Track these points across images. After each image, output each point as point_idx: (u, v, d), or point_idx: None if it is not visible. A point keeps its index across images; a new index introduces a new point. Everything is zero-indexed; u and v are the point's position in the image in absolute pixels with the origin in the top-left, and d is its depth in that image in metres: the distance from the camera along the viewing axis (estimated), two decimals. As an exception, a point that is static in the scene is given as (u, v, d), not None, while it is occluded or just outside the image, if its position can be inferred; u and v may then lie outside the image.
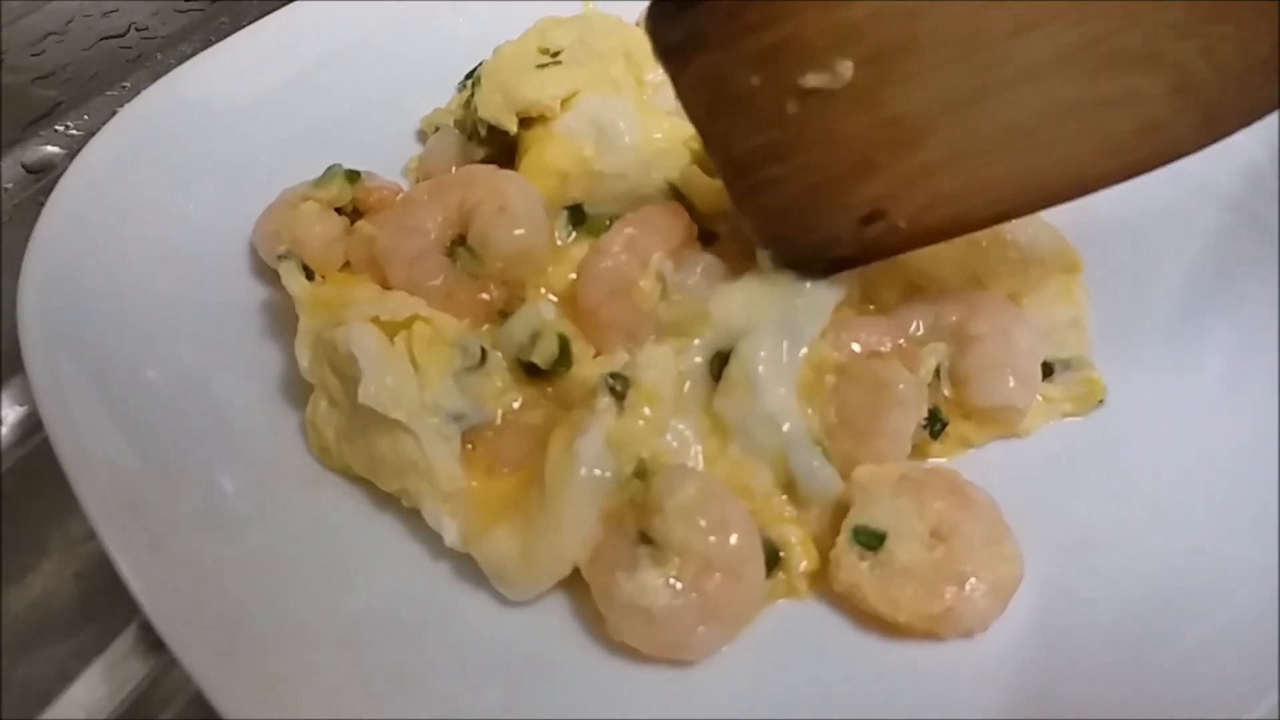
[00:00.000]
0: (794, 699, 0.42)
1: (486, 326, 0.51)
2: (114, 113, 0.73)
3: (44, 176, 0.71)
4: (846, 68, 0.41)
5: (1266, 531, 0.44)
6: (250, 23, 0.81)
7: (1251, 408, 0.49)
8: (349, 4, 0.67)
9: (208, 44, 0.79)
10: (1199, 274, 0.55)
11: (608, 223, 0.51)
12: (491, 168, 0.52)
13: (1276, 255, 0.53)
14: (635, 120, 0.55)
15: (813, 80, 0.41)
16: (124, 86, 0.75)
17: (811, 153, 0.43)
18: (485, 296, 0.51)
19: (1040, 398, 0.51)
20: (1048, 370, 0.51)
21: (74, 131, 0.74)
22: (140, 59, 0.77)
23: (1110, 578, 0.45)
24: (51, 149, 0.73)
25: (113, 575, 0.50)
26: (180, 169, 0.59)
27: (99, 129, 0.60)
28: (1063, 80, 0.41)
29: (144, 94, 0.61)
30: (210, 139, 0.61)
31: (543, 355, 0.47)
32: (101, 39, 0.79)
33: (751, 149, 0.44)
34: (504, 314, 0.51)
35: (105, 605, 0.50)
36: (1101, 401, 0.51)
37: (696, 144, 0.56)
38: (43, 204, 0.55)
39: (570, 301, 0.50)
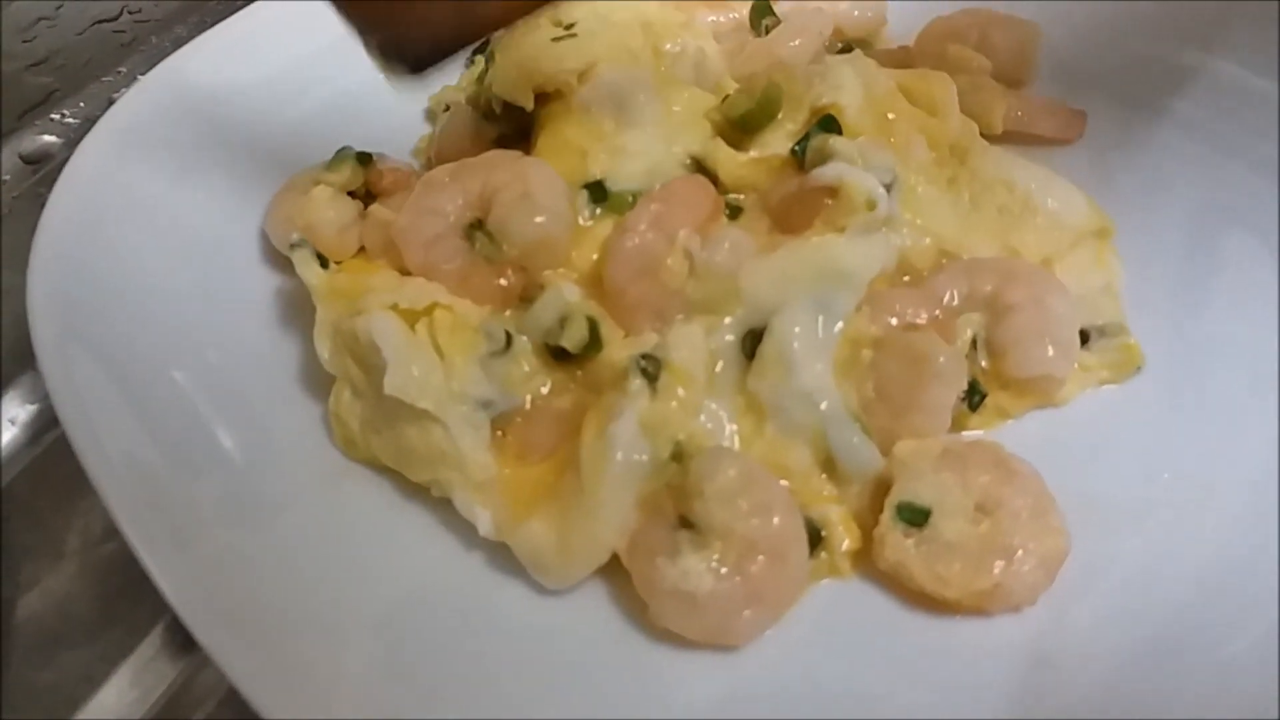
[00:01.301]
0: (841, 680, 0.41)
1: (508, 312, 0.49)
2: (111, 100, 0.72)
3: (42, 167, 0.69)
4: None
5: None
6: (245, 4, 0.80)
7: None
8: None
9: (203, 26, 0.77)
10: (1230, 237, 0.54)
11: (631, 199, 0.50)
12: (515, 153, 0.51)
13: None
14: (654, 93, 0.53)
15: None
16: (119, 72, 0.74)
17: None
18: (503, 282, 0.49)
19: (1077, 366, 0.50)
20: (1084, 338, 0.50)
21: (71, 120, 0.72)
22: (134, 43, 0.76)
23: (1156, 549, 0.44)
24: (49, 138, 0.71)
25: (135, 576, 0.48)
26: (185, 156, 0.57)
27: (97, 117, 0.58)
28: None
29: (143, 80, 0.60)
30: (214, 124, 0.59)
31: (572, 339, 0.46)
32: (94, 23, 0.76)
33: None
34: (523, 299, 0.49)
35: (128, 607, 0.49)
36: (1139, 368, 0.50)
37: (717, 115, 0.54)
38: (42, 195, 0.53)
39: (595, 282, 0.49)
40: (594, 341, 0.46)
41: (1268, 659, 0.39)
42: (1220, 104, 0.57)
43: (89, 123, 0.69)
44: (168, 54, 0.75)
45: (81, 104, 0.72)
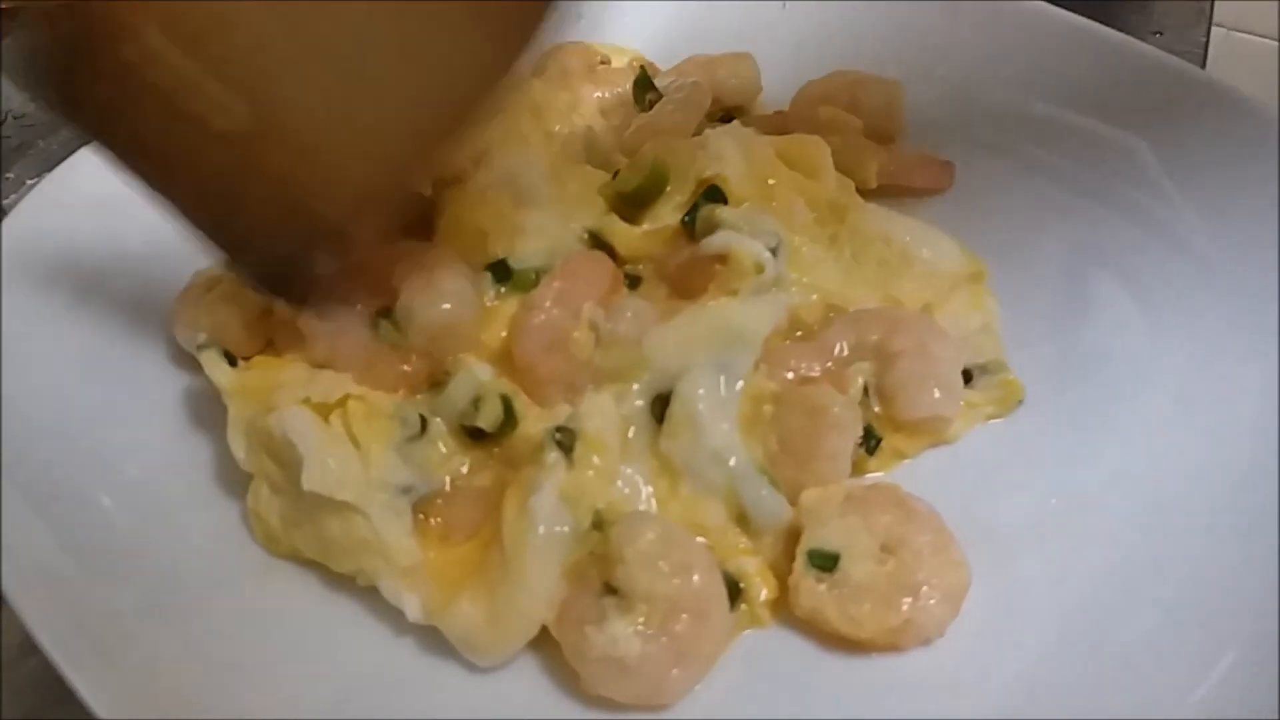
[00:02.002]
0: (770, 726, 0.43)
1: (419, 397, 0.50)
2: (1, 208, 0.71)
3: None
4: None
5: (1192, 512, 0.47)
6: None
7: (1167, 390, 0.52)
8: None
9: (90, 128, 0.77)
10: (1096, 273, 0.58)
11: (534, 276, 0.52)
12: (419, 243, 0.52)
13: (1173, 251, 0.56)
14: (547, 174, 0.56)
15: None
16: (7, 177, 0.73)
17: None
18: (407, 368, 0.50)
19: (963, 404, 0.53)
20: (967, 377, 0.53)
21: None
22: (21, 148, 0.75)
23: (1051, 570, 0.47)
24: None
25: (62, 690, 0.49)
26: (82, 269, 0.57)
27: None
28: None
29: (33, 193, 0.59)
30: (108, 232, 0.59)
31: (488, 418, 0.47)
32: (-22, 131, 0.76)
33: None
34: (431, 384, 0.50)
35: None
36: (1021, 401, 0.53)
37: (609, 191, 0.57)
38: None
39: (504, 359, 0.50)
40: (509, 419, 0.48)
41: (1166, 654, 0.42)
42: (1078, 153, 0.62)
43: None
44: (55, 157, 0.75)
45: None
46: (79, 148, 0.67)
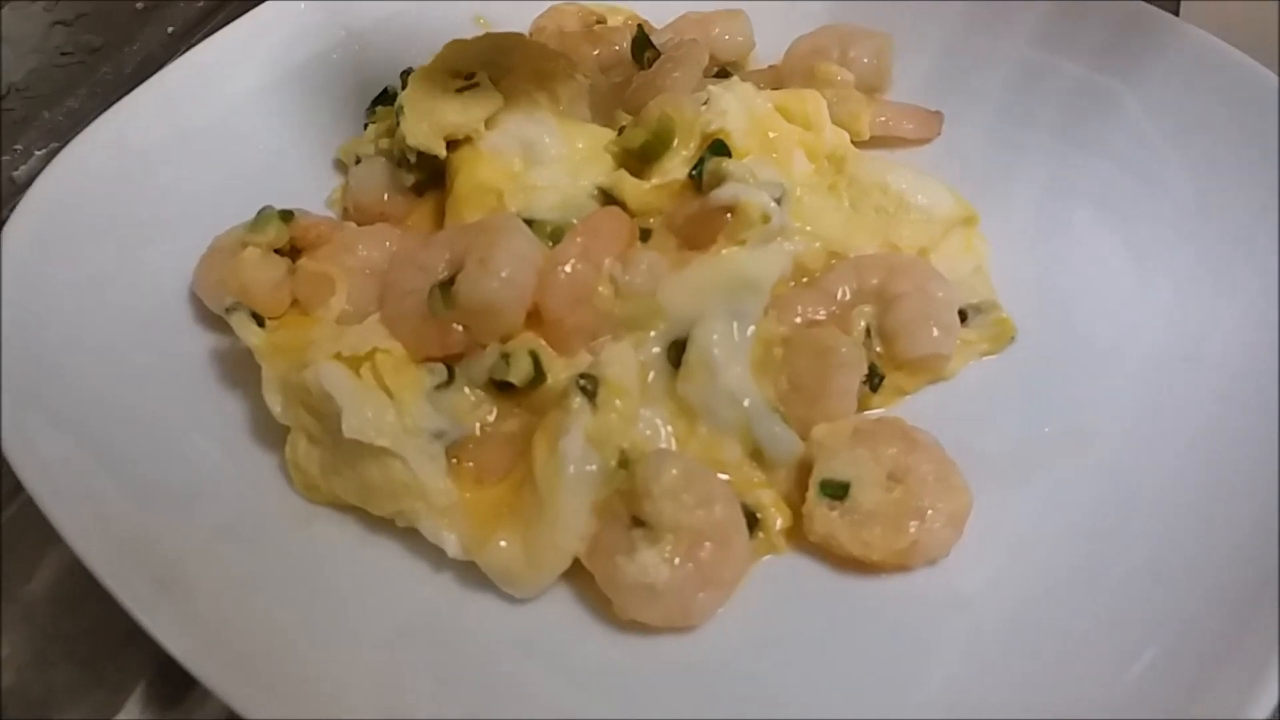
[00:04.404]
0: (789, 643, 0.46)
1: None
2: (12, 178, 0.73)
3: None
4: None
5: (1178, 446, 0.50)
6: (132, 71, 0.81)
7: (1151, 325, 0.55)
8: (241, 50, 0.68)
9: (93, 98, 0.79)
10: (1079, 214, 0.61)
11: (549, 229, 0.54)
12: (508, 216, 0.53)
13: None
14: (557, 133, 0.58)
15: None
16: (16, 149, 0.74)
17: None
18: (449, 338, 0.51)
19: (959, 342, 0.56)
20: (963, 317, 0.56)
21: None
22: (26, 120, 0.76)
23: (1047, 493, 0.50)
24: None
25: (111, 640, 0.51)
26: (107, 233, 0.59)
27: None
28: None
29: (54, 163, 0.61)
30: (128, 199, 0.61)
31: (518, 374, 0.50)
32: (-20, 105, 0.77)
33: None
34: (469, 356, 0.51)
35: (111, 668, 0.51)
36: (1013, 338, 0.56)
37: (615, 148, 0.59)
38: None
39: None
40: (539, 374, 0.50)
41: (1150, 585, 0.45)
42: (1063, 99, 0.64)
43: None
44: (61, 128, 0.77)
45: (-19, 183, 0.72)
46: (85, 117, 0.68)
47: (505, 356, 0.50)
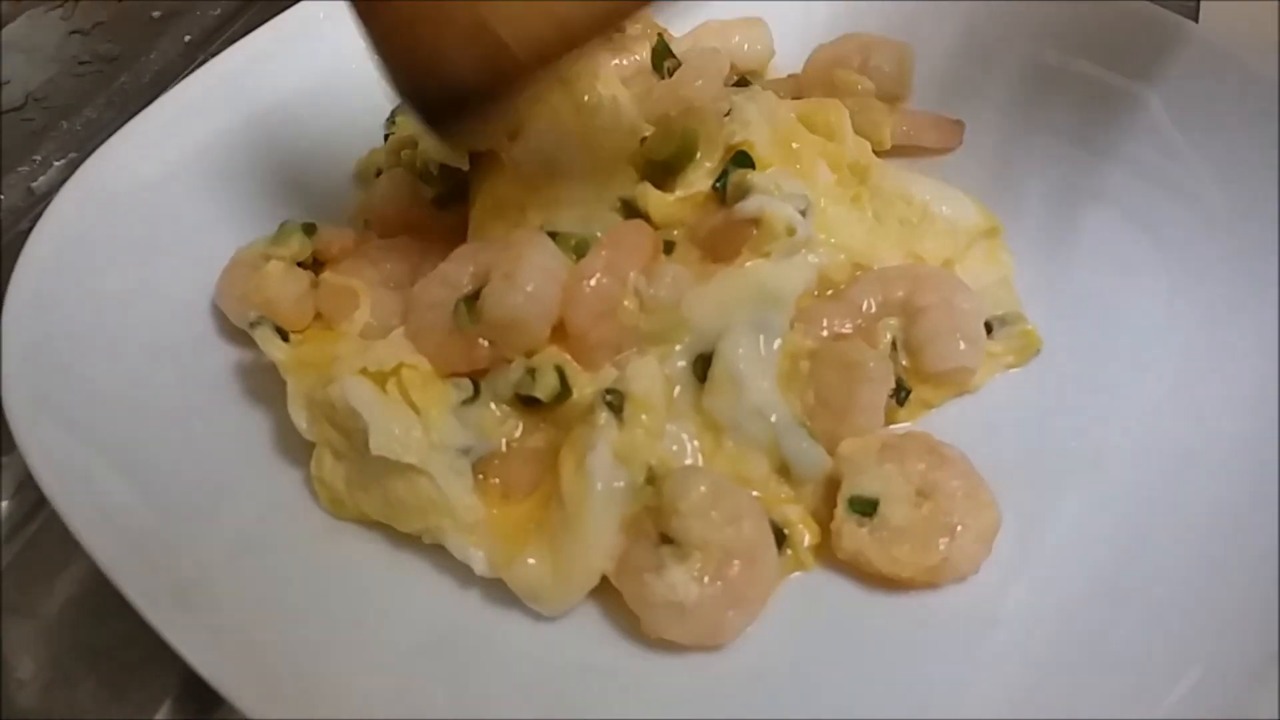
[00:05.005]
0: (818, 660, 0.46)
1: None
2: (30, 189, 0.73)
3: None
4: None
5: (1205, 458, 0.49)
6: (150, 80, 0.81)
7: (1179, 337, 0.54)
8: (260, 62, 0.68)
9: (110, 107, 0.79)
10: (1105, 226, 0.60)
11: (573, 242, 0.54)
12: (538, 235, 0.53)
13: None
14: (579, 145, 0.57)
15: None
16: (35, 160, 0.74)
17: None
18: (475, 353, 0.51)
19: (985, 355, 0.56)
20: (988, 329, 0.56)
21: (-10, 211, 0.72)
22: (45, 130, 0.76)
23: (1075, 508, 0.50)
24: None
25: (135, 658, 0.51)
26: (128, 247, 0.59)
27: (18, 207, 0.59)
28: None
29: (76, 176, 0.60)
30: (149, 212, 0.61)
31: (544, 389, 0.49)
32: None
33: None
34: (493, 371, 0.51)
35: (135, 686, 0.51)
36: (1039, 350, 0.56)
37: (639, 159, 0.59)
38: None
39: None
40: (564, 389, 0.50)
41: (1188, 602, 0.45)
42: (1082, 105, 0.64)
43: (12, 213, 0.70)
44: (80, 137, 0.77)
45: (1, 196, 0.72)
46: (103, 127, 0.68)
47: (531, 371, 0.50)
